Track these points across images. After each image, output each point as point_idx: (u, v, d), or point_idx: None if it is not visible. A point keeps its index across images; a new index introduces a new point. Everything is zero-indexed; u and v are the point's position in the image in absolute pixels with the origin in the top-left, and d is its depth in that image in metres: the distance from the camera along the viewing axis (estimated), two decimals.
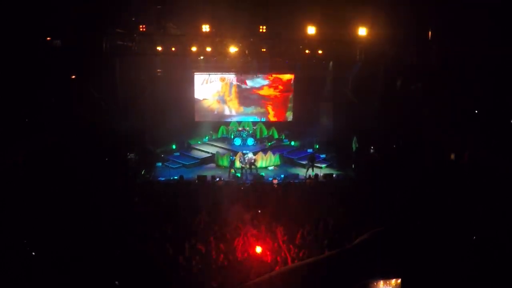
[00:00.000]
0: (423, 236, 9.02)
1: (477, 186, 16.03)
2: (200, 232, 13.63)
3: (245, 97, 29.47)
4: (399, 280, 7.29)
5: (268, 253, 12.11)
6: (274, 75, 29.17)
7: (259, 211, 15.73)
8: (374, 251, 7.63)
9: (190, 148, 27.68)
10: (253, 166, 23.91)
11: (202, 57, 26.32)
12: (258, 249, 11.94)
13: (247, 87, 29.28)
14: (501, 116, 19.50)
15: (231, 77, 28.94)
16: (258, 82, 29.26)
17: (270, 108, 29.78)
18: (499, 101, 19.34)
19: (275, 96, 29.62)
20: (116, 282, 10.25)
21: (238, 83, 29.05)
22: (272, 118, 29.90)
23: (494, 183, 15.91)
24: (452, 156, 21.10)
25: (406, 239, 8.42)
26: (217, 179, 21.68)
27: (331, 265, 7.75)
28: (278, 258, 11.81)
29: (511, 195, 13.99)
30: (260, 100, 29.66)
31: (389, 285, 7.20)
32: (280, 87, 29.49)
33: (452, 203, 14.06)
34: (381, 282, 7.20)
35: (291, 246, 12.50)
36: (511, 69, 18.39)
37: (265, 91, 29.45)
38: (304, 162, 24.78)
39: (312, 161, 23.93)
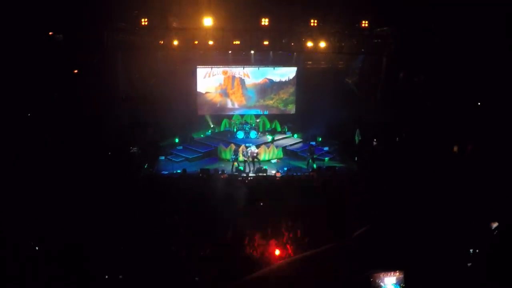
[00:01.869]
0: (426, 229, 9.02)
1: (481, 178, 16.01)
2: (205, 227, 13.67)
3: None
4: (402, 273, 7.30)
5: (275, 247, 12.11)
6: (276, 68, 29.18)
7: (261, 204, 15.79)
8: (376, 243, 7.65)
9: (193, 141, 27.69)
10: (256, 159, 23.94)
11: (204, 51, 26.29)
12: (277, 252, 11.89)
13: (250, 80, 29.28)
14: (504, 108, 19.44)
15: (234, 70, 28.92)
16: (261, 75, 29.25)
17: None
18: (503, 93, 19.27)
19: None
20: (120, 276, 10.29)
21: (240, 76, 29.03)
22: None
23: (498, 175, 15.89)
24: (455, 149, 21.08)
25: (409, 231, 8.42)
26: (220, 172, 21.71)
27: (332, 257, 7.77)
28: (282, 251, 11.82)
29: None
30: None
31: (391, 276, 7.21)
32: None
33: (456, 196, 14.04)
34: (384, 274, 7.20)
35: (294, 239, 12.52)
36: None
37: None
38: (305, 155, 24.89)
39: (311, 154, 23.97)
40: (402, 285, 7.26)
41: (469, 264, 9.09)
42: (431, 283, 7.81)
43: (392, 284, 7.20)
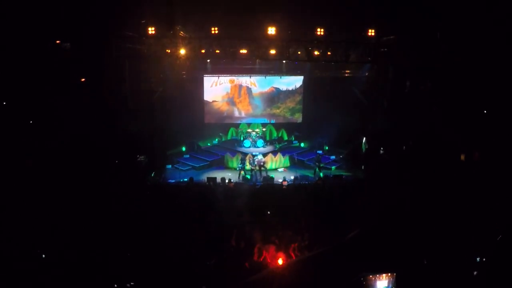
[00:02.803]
0: (421, 233, 9.02)
1: (488, 185, 15.94)
2: (212, 236, 13.66)
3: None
4: (393, 275, 7.31)
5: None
6: (283, 77, 29.20)
7: (268, 212, 15.76)
8: (368, 245, 7.68)
9: (200, 150, 27.73)
10: (262, 168, 23.96)
11: (210, 59, 26.38)
12: (280, 261, 11.89)
13: (256, 89, 29.31)
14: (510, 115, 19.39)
15: (240, 79, 28.96)
16: (268, 84, 29.27)
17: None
18: (509, 100, 19.22)
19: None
20: (128, 285, 10.29)
21: (247, 85, 29.07)
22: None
23: (503, 182, 15.83)
24: (462, 157, 21.02)
25: (401, 234, 8.43)
26: (227, 181, 21.72)
27: (324, 261, 7.80)
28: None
29: None
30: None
31: (383, 279, 7.23)
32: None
33: (461, 203, 13.99)
34: (376, 277, 7.22)
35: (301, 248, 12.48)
36: None
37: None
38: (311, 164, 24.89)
39: (318, 162, 23.98)
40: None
41: (475, 273, 9.05)
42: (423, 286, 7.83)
43: (384, 287, 7.22)
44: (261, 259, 11.91)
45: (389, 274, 7.28)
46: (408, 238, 8.70)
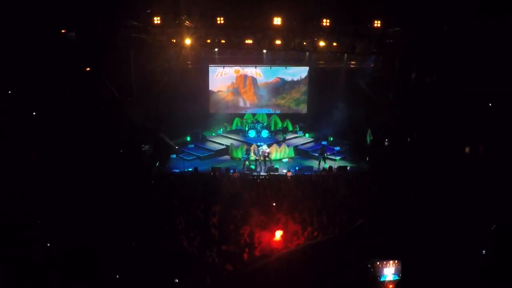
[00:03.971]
0: (426, 222, 9.04)
1: (492, 179, 15.94)
2: (216, 226, 13.70)
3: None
4: (399, 262, 7.36)
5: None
6: (288, 67, 29.15)
7: (274, 204, 15.77)
8: (375, 233, 7.71)
9: (205, 140, 27.75)
10: (267, 159, 23.96)
11: (216, 49, 26.32)
12: (278, 234, 11.93)
13: (262, 79, 29.28)
14: None
15: (246, 69, 28.91)
16: (273, 74, 29.22)
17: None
18: None
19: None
20: (131, 275, 10.34)
21: (252, 75, 29.04)
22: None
23: (508, 176, 15.81)
24: (467, 150, 20.98)
25: (407, 223, 8.46)
26: (232, 171, 21.73)
27: (331, 247, 7.83)
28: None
29: None
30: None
31: (390, 266, 7.28)
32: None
33: (465, 196, 13.99)
34: (382, 264, 7.28)
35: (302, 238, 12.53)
36: None
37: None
38: (316, 154, 24.87)
39: (323, 154, 23.97)
40: (400, 275, 7.34)
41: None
42: (428, 274, 7.86)
43: (391, 274, 7.29)
44: (262, 250, 11.97)
45: (396, 261, 7.35)
46: (415, 226, 8.74)
